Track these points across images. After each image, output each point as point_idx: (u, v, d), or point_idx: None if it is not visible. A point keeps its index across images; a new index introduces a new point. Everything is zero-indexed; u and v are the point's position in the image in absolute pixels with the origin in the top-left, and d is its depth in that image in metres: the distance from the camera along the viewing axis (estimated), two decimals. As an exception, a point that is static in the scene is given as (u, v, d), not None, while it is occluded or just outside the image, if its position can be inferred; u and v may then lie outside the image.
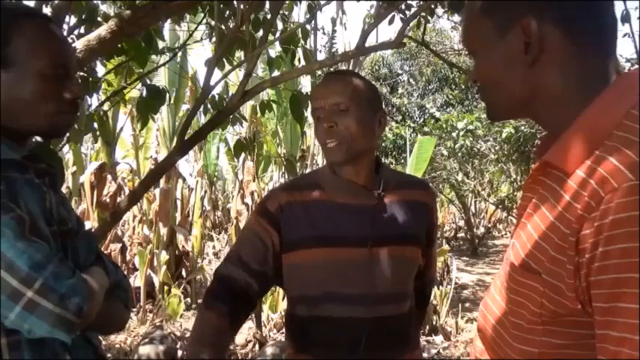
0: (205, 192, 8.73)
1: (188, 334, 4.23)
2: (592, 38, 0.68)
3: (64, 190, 6.00)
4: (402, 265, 1.25)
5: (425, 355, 4.09)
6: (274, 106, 2.78)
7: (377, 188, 1.25)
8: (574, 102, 0.68)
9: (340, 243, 1.21)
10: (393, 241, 1.24)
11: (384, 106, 1.34)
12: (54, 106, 0.93)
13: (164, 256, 5.49)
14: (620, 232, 0.55)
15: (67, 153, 6.16)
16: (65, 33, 1.98)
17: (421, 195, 1.33)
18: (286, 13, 3.02)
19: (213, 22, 2.47)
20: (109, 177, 5.70)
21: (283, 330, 4.27)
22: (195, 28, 2.85)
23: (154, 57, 2.67)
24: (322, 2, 2.47)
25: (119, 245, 5.68)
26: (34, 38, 0.92)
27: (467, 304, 5.70)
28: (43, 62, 0.91)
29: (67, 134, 2.14)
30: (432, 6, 2.78)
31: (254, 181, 8.03)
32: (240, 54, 2.65)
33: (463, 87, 12.96)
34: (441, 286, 5.15)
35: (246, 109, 6.88)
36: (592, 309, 0.60)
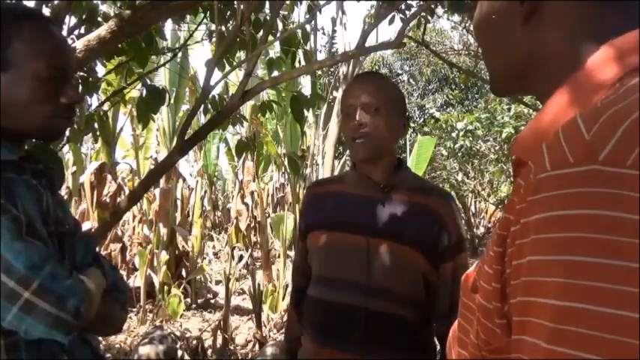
0: (205, 192, 8.74)
1: (188, 334, 4.23)
2: None
3: (64, 190, 5.96)
4: (398, 263, 1.24)
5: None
6: (274, 106, 2.78)
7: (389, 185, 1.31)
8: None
9: (341, 228, 1.29)
10: (391, 236, 1.25)
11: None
12: (50, 108, 0.92)
13: (164, 256, 5.49)
14: (528, 241, 0.41)
15: (67, 153, 6.16)
16: (65, 33, 1.98)
17: (433, 202, 1.29)
18: (286, 13, 3.01)
19: (213, 25, 2.47)
20: (109, 177, 5.70)
21: (283, 330, 4.26)
22: (196, 29, 2.85)
23: (154, 57, 2.67)
24: (322, 2, 2.47)
25: (119, 245, 5.68)
26: (32, 39, 0.91)
27: (467, 305, 5.70)
28: (40, 64, 0.90)
29: (67, 134, 2.14)
30: (432, 6, 2.78)
31: (254, 181, 8.03)
32: (240, 54, 2.65)
33: (463, 87, 12.95)
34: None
35: (246, 109, 6.87)
36: None
